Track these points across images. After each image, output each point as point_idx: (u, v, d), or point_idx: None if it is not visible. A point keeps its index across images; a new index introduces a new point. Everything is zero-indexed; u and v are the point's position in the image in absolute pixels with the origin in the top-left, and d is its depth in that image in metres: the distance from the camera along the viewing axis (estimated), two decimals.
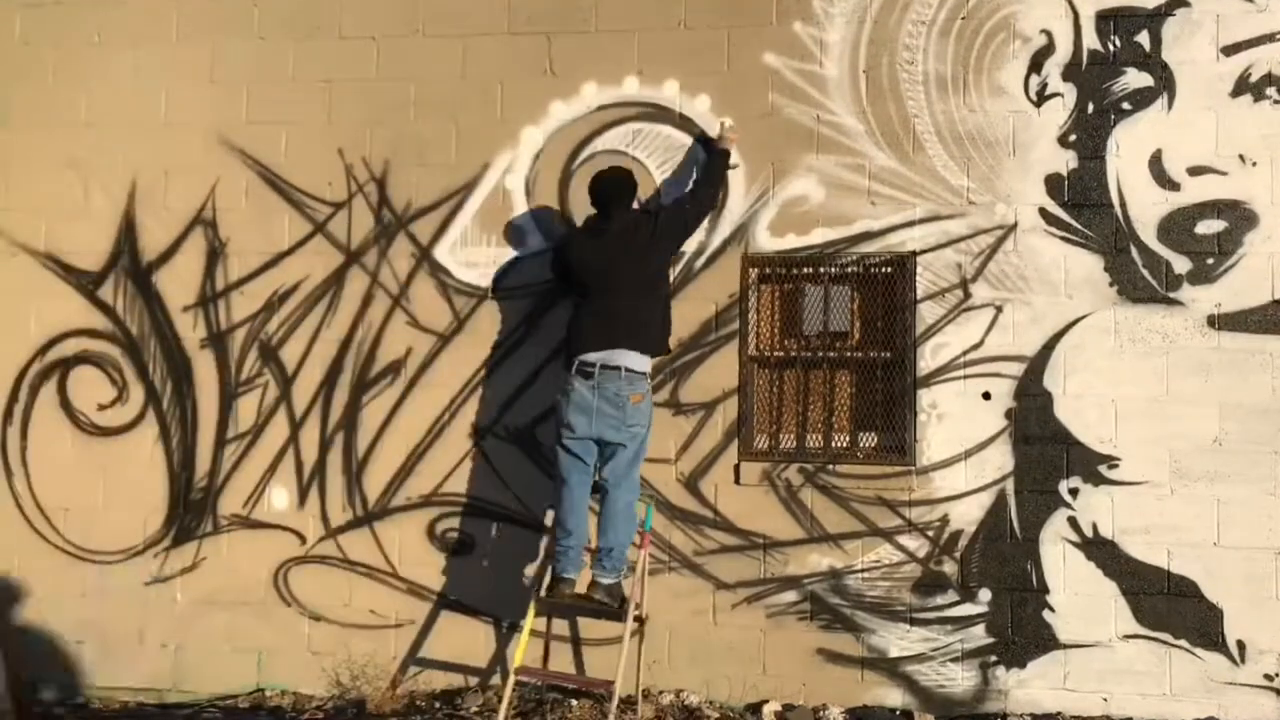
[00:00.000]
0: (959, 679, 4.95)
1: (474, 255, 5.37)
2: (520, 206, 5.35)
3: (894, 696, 4.98)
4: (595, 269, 4.83)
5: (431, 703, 5.12)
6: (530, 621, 4.80)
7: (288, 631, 5.32)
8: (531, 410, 5.28)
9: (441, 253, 5.38)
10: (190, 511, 5.45)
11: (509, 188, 5.36)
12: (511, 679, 4.69)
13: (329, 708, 5.17)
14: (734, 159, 5.15)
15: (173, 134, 5.56)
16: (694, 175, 5.18)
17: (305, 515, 5.39)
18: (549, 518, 5.08)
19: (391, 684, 5.17)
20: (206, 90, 5.57)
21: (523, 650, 4.75)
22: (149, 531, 5.46)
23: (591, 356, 4.72)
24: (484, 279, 5.35)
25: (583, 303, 4.89)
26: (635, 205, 5.05)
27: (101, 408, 5.53)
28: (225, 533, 5.42)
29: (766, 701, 5.02)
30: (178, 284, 5.53)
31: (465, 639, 5.24)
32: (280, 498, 5.36)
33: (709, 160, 5.12)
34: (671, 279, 5.14)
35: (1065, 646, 4.89)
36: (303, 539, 5.39)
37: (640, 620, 4.93)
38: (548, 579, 4.78)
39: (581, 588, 4.74)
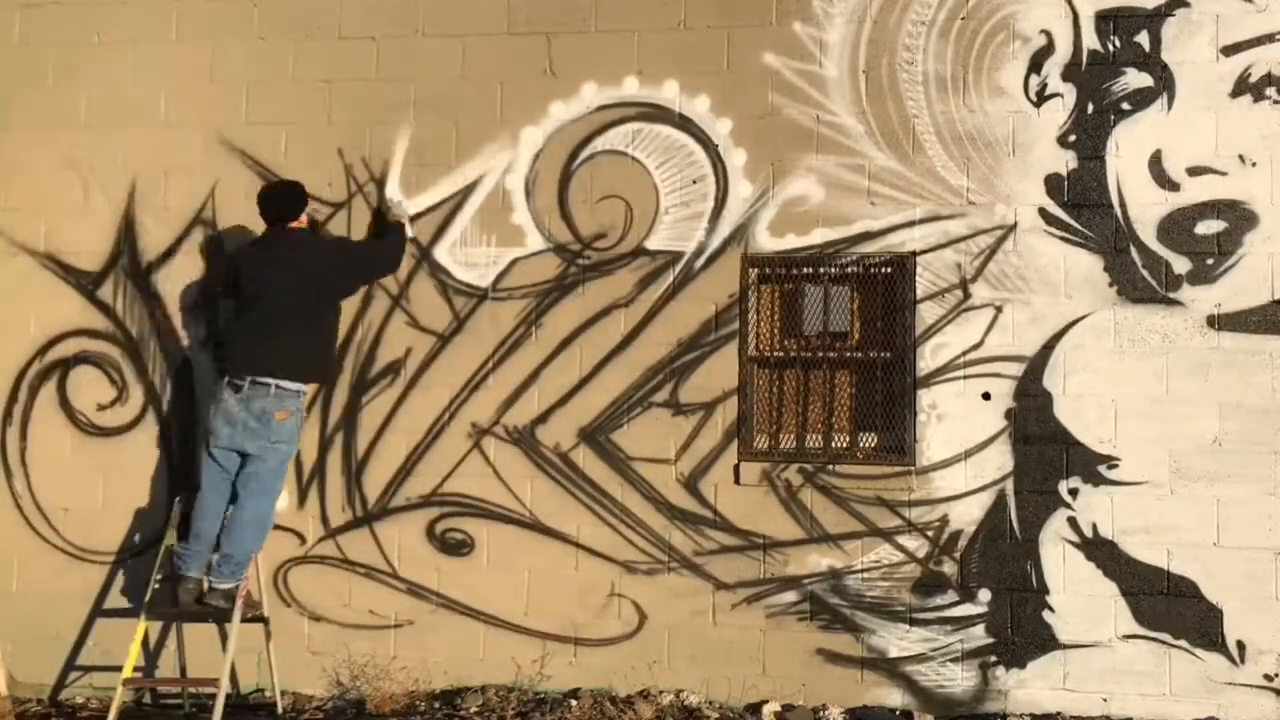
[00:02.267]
0: (959, 679, 4.95)
1: (473, 255, 5.37)
2: (520, 207, 5.35)
3: (894, 697, 4.98)
4: (260, 284, 4.95)
5: (431, 703, 5.12)
6: (140, 633, 4.88)
7: (287, 631, 5.31)
8: (531, 410, 5.28)
9: (441, 253, 5.38)
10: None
11: (509, 188, 5.36)
12: (120, 689, 4.83)
13: (328, 707, 5.17)
14: (409, 231, 5.30)
15: (172, 134, 5.56)
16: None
17: (305, 515, 5.39)
18: (172, 534, 5.08)
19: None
20: (206, 90, 5.57)
21: (131, 661, 4.86)
22: (148, 532, 5.45)
23: (245, 375, 4.89)
24: (483, 279, 5.35)
25: (242, 316, 5.02)
26: (303, 222, 5.14)
27: (101, 408, 5.52)
28: None
29: (766, 702, 5.02)
30: (178, 284, 5.53)
31: (464, 638, 5.25)
32: (280, 498, 5.35)
33: (388, 232, 5.27)
34: (673, 278, 5.16)
35: (1065, 647, 4.89)
36: (302, 539, 5.38)
37: (264, 620, 5.11)
38: (153, 586, 4.95)
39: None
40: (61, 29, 5.70)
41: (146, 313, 5.54)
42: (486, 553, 5.28)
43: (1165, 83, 4.98)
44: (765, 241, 5.19)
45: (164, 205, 5.55)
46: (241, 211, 5.47)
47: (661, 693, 5.07)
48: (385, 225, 5.34)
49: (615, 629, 5.18)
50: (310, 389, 5.21)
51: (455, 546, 5.31)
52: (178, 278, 5.53)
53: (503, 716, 4.92)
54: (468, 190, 5.39)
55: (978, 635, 4.95)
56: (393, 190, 5.40)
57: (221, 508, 5.00)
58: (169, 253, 5.53)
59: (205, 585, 4.96)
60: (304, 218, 5.17)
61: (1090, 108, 5.02)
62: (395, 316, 5.39)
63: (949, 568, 4.98)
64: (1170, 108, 4.97)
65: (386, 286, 5.40)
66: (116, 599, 5.43)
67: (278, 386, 4.90)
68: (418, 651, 5.26)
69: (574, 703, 4.98)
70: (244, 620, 4.93)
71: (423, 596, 5.31)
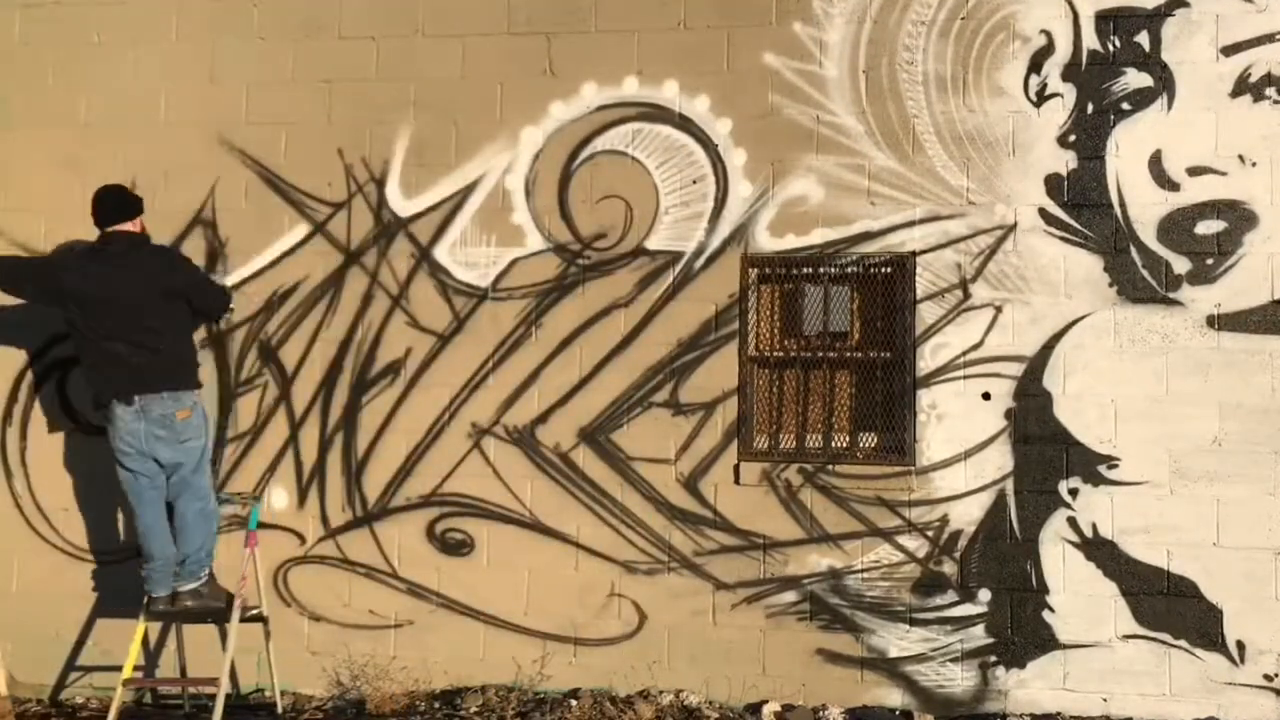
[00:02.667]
0: (959, 679, 4.95)
1: (473, 255, 5.37)
2: (520, 207, 5.35)
3: (894, 697, 4.98)
4: (103, 299, 4.66)
5: (431, 703, 5.12)
6: (139, 634, 4.89)
7: (287, 631, 5.31)
8: (531, 410, 5.28)
9: (441, 253, 5.38)
10: None
11: (509, 188, 5.36)
12: (120, 690, 4.81)
13: (328, 707, 5.17)
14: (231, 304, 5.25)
15: (172, 134, 5.56)
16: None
17: (305, 515, 5.39)
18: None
19: None
20: (206, 90, 5.57)
21: (131, 661, 4.84)
22: None
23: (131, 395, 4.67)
24: (483, 279, 5.35)
25: (92, 339, 4.69)
26: (138, 227, 4.92)
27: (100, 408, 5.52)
28: (225, 533, 5.38)
29: (766, 702, 5.02)
30: None
31: (464, 638, 5.25)
32: (280, 498, 5.36)
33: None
34: (673, 278, 5.20)
35: (1065, 647, 4.89)
36: (302, 539, 5.39)
37: (263, 619, 5.06)
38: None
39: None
40: (61, 29, 5.69)
41: None
42: (486, 553, 5.28)
43: (1165, 83, 4.98)
44: (765, 241, 5.19)
45: (164, 205, 5.54)
46: (241, 211, 5.48)
47: (661, 693, 5.07)
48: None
49: (615, 629, 5.18)
50: (306, 384, 5.20)
51: (455, 546, 5.31)
52: None
53: (503, 716, 4.92)
54: (468, 190, 5.39)
55: (978, 635, 4.95)
56: (393, 190, 5.41)
57: (162, 520, 4.85)
58: None
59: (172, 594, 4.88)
60: (138, 222, 4.96)
61: (1090, 108, 5.02)
62: (395, 316, 5.39)
63: (949, 568, 4.98)
64: (1170, 108, 4.97)
65: (386, 286, 5.40)
66: (116, 599, 5.43)
67: (168, 390, 4.71)
68: (418, 651, 5.26)
69: (574, 703, 4.98)
70: (243, 620, 4.93)
71: (423, 596, 5.31)
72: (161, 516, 4.86)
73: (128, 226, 4.89)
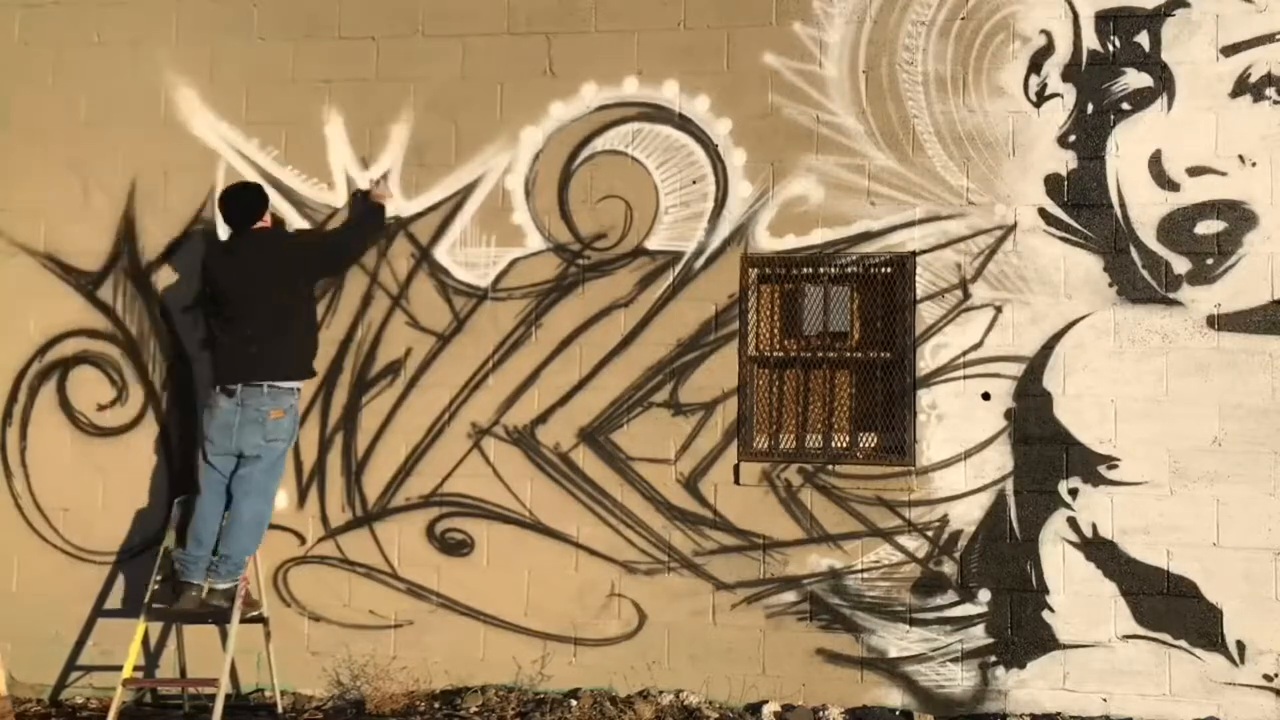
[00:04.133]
0: (959, 679, 4.95)
1: (473, 255, 5.37)
2: (520, 207, 5.35)
3: (894, 697, 4.98)
4: (229, 290, 4.98)
5: (431, 703, 5.12)
6: (140, 634, 4.89)
7: (287, 631, 5.31)
8: (531, 410, 5.28)
9: (441, 253, 5.38)
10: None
11: (509, 188, 5.36)
12: (119, 690, 4.84)
13: (328, 707, 5.17)
14: (390, 210, 5.30)
15: (172, 134, 5.56)
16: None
17: (304, 515, 5.39)
18: (171, 536, 5.09)
19: None
20: (206, 90, 5.57)
21: (131, 661, 4.86)
22: (149, 532, 5.45)
23: (236, 382, 4.91)
24: (483, 279, 5.35)
25: (221, 325, 5.02)
26: (268, 222, 5.17)
27: (101, 408, 5.52)
28: None
29: (766, 702, 5.02)
30: (177, 284, 5.52)
31: (464, 638, 5.25)
32: (279, 498, 5.35)
33: (366, 211, 5.28)
34: (673, 278, 5.16)
35: (1065, 647, 4.89)
36: (302, 539, 5.39)
37: (264, 620, 5.15)
38: (153, 587, 4.95)
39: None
40: (61, 29, 5.69)
41: (146, 313, 5.54)
42: (486, 553, 5.28)
43: (1165, 83, 4.98)
44: (765, 241, 5.19)
45: (164, 205, 5.55)
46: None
47: (661, 693, 5.07)
48: (366, 208, 5.33)
49: (615, 629, 5.18)
50: (305, 385, 5.21)
51: (455, 546, 5.31)
52: (178, 278, 5.53)
53: (503, 716, 4.92)
54: (467, 190, 5.38)
55: (977, 635, 4.95)
56: (394, 186, 5.40)
57: (220, 512, 4.99)
58: (169, 253, 5.53)
59: (206, 589, 4.95)
60: (268, 217, 5.17)
61: (1090, 108, 5.02)
62: (395, 316, 5.39)
63: (949, 568, 4.99)
64: (1170, 108, 4.97)
65: (386, 286, 5.40)
66: (116, 599, 5.43)
67: (271, 386, 4.92)
68: (418, 651, 5.26)
69: (574, 703, 4.98)
70: (243, 620, 4.93)
71: (423, 596, 5.31)
72: (220, 507, 4.98)
73: (256, 225, 5.12)
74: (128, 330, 5.55)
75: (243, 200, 5.12)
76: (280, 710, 5.05)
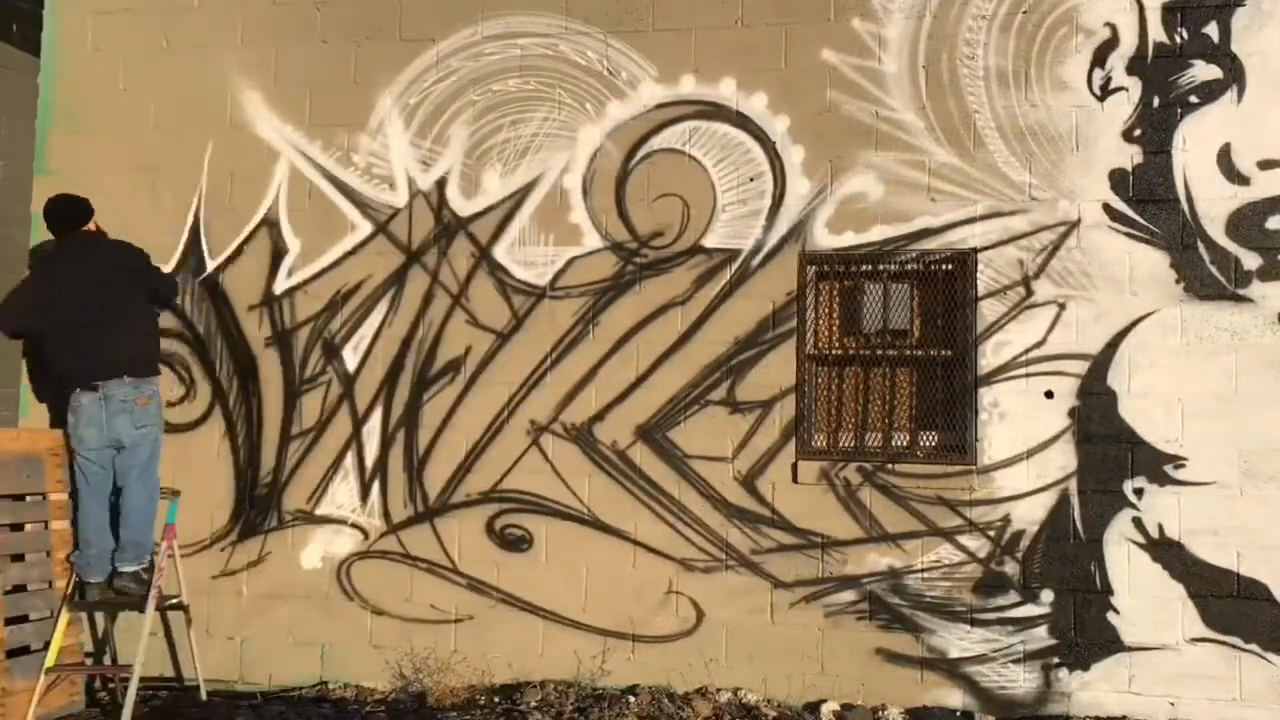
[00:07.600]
0: (1020, 680, 4.89)
1: (531, 254, 5.41)
2: (578, 206, 5.38)
3: (954, 698, 4.94)
4: (70, 287, 4.98)
5: (491, 697, 5.17)
6: (63, 626, 4.94)
7: (350, 625, 5.40)
8: (588, 408, 5.31)
9: (500, 252, 5.44)
10: (255, 507, 5.56)
11: (566, 187, 5.40)
12: (42, 678, 4.86)
13: (390, 700, 5.24)
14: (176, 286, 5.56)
15: (239, 137, 5.68)
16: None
17: (367, 511, 5.48)
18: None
19: None
20: (271, 93, 5.68)
21: (55, 653, 4.89)
22: (215, 526, 5.57)
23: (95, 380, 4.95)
24: (541, 278, 5.39)
25: (64, 329, 4.97)
26: (94, 226, 5.22)
27: (170, 405, 5.65)
28: (289, 528, 5.52)
29: (825, 701, 5.00)
30: (243, 284, 5.64)
31: (524, 633, 5.30)
32: (343, 493, 5.45)
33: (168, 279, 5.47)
34: (730, 276, 5.21)
35: (1130, 649, 4.81)
36: (365, 534, 5.47)
37: (184, 608, 5.21)
38: (72, 585, 5.02)
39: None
40: (131, 35, 5.84)
41: (213, 311, 5.66)
42: (545, 549, 5.33)
43: (1235, 74, 4.87)
44: (823, 239, 5.17)
45: (229, 205, 5.67)
46: (305, 212, 5.58)
47: (719, 690, 5.08)
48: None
49: (672, 626, 5.20)
50: (362, 384, 5.28)
51: (514, 542, 5.36)
52: (243, 277, 5.64)
53: (561, 712, 4.96)
54: (526, 189, 5.43)
55: (1040, 636, 4.89)
56: (453, 190, 5.47)
57: (105, 510, 5.07)
58: (235, 253, 5.65)
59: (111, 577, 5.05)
60: (93, 223, 5.24)
61: (1156, 101, 4.93)
62: (455, 315, 5.45)
63: (1011, 568, 4.93)
64: (1240, 100, 4.87)
65: (447, 285, 5.46)
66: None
67: (130, 376, 4.99)
68: (478, 646, 5.32)
69: (632, 699, 5.01)
70: (162, 608, 5.09)
71: (483, 592, 5.36)
72: (104, 504, 5.08)
73: (88, 227, 5.22)
74: (195, 328, 5.68)
75: (70, 205, 5.19)
76: (204, 696, 5.18)
